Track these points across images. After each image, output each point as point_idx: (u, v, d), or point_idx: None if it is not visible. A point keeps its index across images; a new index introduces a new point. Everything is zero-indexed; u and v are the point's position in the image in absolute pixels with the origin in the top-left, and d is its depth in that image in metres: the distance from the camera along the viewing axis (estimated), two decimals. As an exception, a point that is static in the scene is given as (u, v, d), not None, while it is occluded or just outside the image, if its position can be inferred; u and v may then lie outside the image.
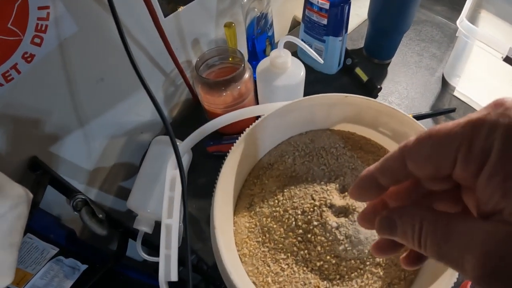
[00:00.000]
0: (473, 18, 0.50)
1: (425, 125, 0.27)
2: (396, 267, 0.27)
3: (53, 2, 0.31)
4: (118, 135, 0.47)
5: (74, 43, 0.34)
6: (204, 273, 0.55)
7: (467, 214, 0.14)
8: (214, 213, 0.25)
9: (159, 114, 0.28)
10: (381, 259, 0.27)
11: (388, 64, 0.55)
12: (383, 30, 0.51)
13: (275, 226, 0.28)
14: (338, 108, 0.32)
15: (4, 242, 0.28)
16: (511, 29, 0.47)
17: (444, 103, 0.50)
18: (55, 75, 0.35)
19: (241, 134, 0.29)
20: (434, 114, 0.49)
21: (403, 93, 0.52)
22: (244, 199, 0.31)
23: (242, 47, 0.50)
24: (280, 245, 0.27)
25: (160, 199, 0.27)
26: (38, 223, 0.39)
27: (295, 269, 0.27)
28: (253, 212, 0.30)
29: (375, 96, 0.51)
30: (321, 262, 0.26)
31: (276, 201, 0.29)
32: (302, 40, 0.52)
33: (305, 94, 0.34)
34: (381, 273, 0.27)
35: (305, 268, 0.27)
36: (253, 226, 0.29)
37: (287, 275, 0.27)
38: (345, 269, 0.26)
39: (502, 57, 0.41)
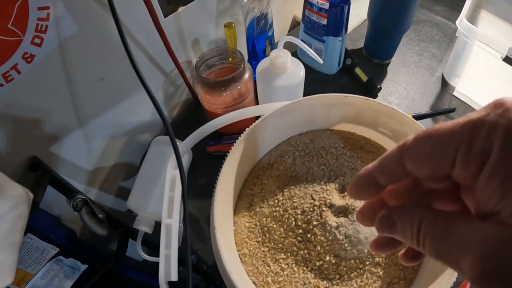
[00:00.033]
0: (473, 18, 0.50)
1: (425, 125, 0.27)
2: (396, 266, 0.27)
3: (53, 2, 0.31)
4: (118, 135, 0.47)
5: (74, 43, 0.34)
6: (204, 273, 0.55)
7: (466, 214, 0.14)
8: (214, 213, 0.25)
9: (159, 114, 0.28)
10: (380, 259, 0.27)
11: (388, 64, 0.55)
12: (383, 30, 0.51)
13: (275, 226, 0.28)
14: (338, 108, 0.32)
15: (4, 242, 0.28)
16: (511, 29, 0.47)
17: (443, 103, 0.51)
18: (55, 75, 0.35)
19: (241, 134, 0.29)
20: (434, 114, 0.49)
21: (403, 93, 0.52)
22: (244, 199, 0.31)
23: (242, 47, 0.50)
24: (280, 245, 0.28)
25: (160, 199, 0.27)
26: (38, 223, 0.39)
27: (295, 269, 0.27)
28: (253, 212, 0.30)
29: (375, 96, 0.51)
30: (321, 262, 0.26)
31: (276, 201, 0.29)
32: (302, 40, 0.52)
33: (305, 94, 0.34)
34: (381, 273, 0.27)
35: (304, 268, 0.27)
36: (253, 226, 0.29)
37: (287, 275, 0.27)
38: (344, 268, 0.26)
39: (501, 57, 0.41)
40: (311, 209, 0.27)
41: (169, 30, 0.41)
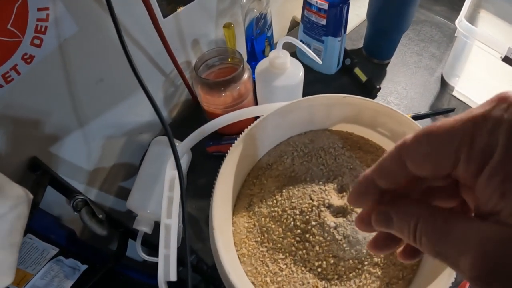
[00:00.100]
0: (472, 18, 0.50)
1: (424, 125, 0.27)
2: (395, 266, 0.27)
3: (52, 3, 0.31)
4: (118, 136, 0.47)
5: (74, 44, 0.35)
6: (204, 273, 0.55)
7: (465, 211, 0.14)
8: (212, 214, 0.25)
9: (157, 114, 0.28)
10: (379, 259, 0.27)
11: (387, 64, 0.55)
12: (382, 30, 0.51)
13: (273, 226, 0.28)
14: (337, 109, 0.32)
15: (4, 242, 0.29)
16: (511, 28, 0.47)
17: (443, 103, 0.51)
18: (55, 76, 0.35)
19: (240, 135, 0.29)
20: (433, 114, 0.49)
21: (402, 93, 0.52)
22: (243, 199, 0.31)
23: (242, 47, 0.50)
24: (279, 245, 0.28)
25: (160, 200, 0.27)
26: (38, 224, 0.39)
27: (294, 269, 0.27)
28: (252, 212, 0.30)
29: (374, 96, 0.51)
30: (319, 262, 0.26)
31: (275, 201, 0.29)
32: (301, 40, 0.52)
33: (305, 95, 0.34)
34: (379, 273, 0.27)
35: (303, 268, 0.27)
36: (251, 226, 0.29)
37: (286, 275, 0.27)
38: (343, 269, 0.26)
39: (501, 57, 0.41)
40: (310, 209, 0.27)
41: (168, 30, 0.41)
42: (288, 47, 0.38)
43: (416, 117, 0.48)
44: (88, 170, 0.45)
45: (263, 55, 0.50)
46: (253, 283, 0.27)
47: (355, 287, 0.26)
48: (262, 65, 0.40)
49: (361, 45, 0.57)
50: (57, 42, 0.33)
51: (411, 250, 0.16)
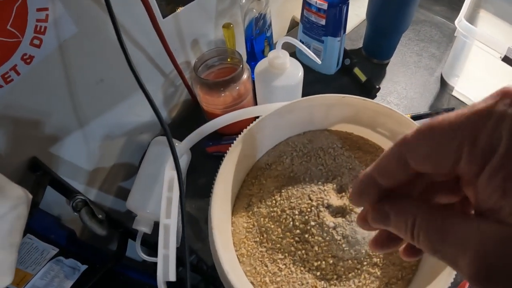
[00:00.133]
0: (472, 18, 0.50)
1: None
2: (394, 266, 0.27)
3: (52, 3, 0.31)
4: (118, 136, 0.47)
5: (74, 44, 0.35)
6: (204, 273, 0.55)
7: (465, 209, 0.14)
8: (211, 214, 0.25)
9: (156, 114, 0.28)
10: (378, 259, 0.27)
11: (387, 64, 0.55)
12: (382, 30, 0.51)
13: (272, 226, 0.28)
14: (336, 109, 0.32)
15: (4, 242, 0.29)
16: (510, 28, 0.47)
17: (443, 103, 0.51)
18: (55, 76, 0.36)
19: (239, 135, 0.29)
20: (433, 114, 0.49)
21: (402, 93, 0.52)
22: (243, 199, 0.31)
23: (241, 47, 0.50)
24: (278, 245, 0.28)
25: (159, 200, 0.28)
26: (38, 224, 0.39)
27: (293, 269, 0.27)
28: (251, 212, 0.30)
29: (374, 96, 0.51)
30: (319, 262, 0.26)
31: (274, 201, 0.29)
32: (300, 40, 0.52)
33: (304, 95, 0.34)
34: (379, 273, 0.27)
35: (302, 268, 0.27)
36: (251, 226, 0.29)
37: (285, 275, 0.27)
38: (342, 269, 0.26)
39: (500, 57, 0.41)
40: (309, 209, 0.27)
41: (168, 30, 0.41)
42: (288, 47, 0.38)
43: (416, 117, 0.48)
44: (88, 170, 0.46)
45: (263, 55, 0.50)
46: (252, 283, 0.27)
47: (354, 287, 0.26)
48: (261, 65, 0.40)
49: (360, 45, 0.57)
50: (56, 42, 0.33)
51: (413, 247, 0.15)
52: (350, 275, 0.27)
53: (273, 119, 0.30)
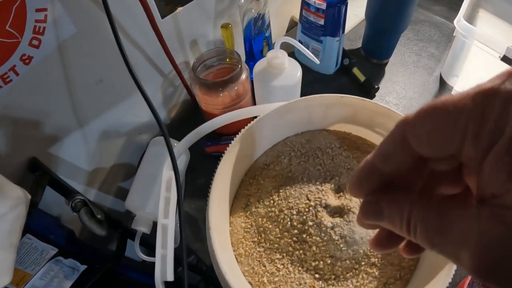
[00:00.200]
0: (471, 18, 0.50)
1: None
2: (392, 266, 0.27)
3: (51, 4, 0.31)
4: (117, 136, 0.47)
5: (73, 44, 0.35)
6: (203, 274, 0.55)
7: (465, 199, 0.13)
8: (209, 214, 0.25)
9: (153, 114, 0.29)
10: (376, 259, 0.27)
11: (386, 64, 0.55)
12: (381, 30, 0.51)
13: (270, 226, 0.28)
14: (335, 109, 0.32)
15: (4, 242, 0.29)
16: (510, 28, 0.47)
17: (442, 102, 0.50)
18: (54, 77, 0.36)
19: (237, 135, 0.29)
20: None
21: (401, 93, 0.52)
22: (241, 199, 0.31)
23: (240, 47, 0.51)
24: (276, 245, 0.28)
25: (158, 200, 0.28)
26: (38, 224, 0.39)
27: (291, 269, 0.27)
28: (249, 212, 0.30)
29: (373, 96, 0.51)
30: (316, 262, 0.26)
31: (272, 201, 0.29)
32: (299, 40, 0.52)
33: (303, 94, 0.34)
34: (377, 273, 0.27)
35: (300, 268, 0.27)
36: (249, 226, 0.29)
37: (283, 275, 0.27)
38: (340, 269, 0.26)
39: (499, 57, 0.41)
40: (307, 209, 0.27)
41: (167, 31, 0.41)
42: (287, 47, 0.39)
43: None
44: (88, 170, 0.46)
45: (262, 55, 0.50)
46: (250, 283, 0.27)
47: (352, 287, 0.26)
48: (260, 65, 0.40)
49: (359, 45, 0.57)
50: (55, 43, 0.33)
51: (414, 244, 0.14)
52: (348, 275, 0.27)
53: (271, 119, 0.30)
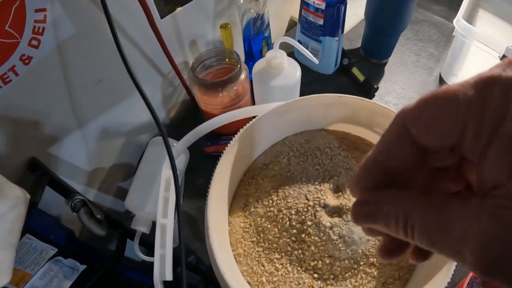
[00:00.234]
0: (470, 17, 0.50)
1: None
2: (391, 266, 0.27)
3: (50, 4, 0.31)
4: (117, 136, 0.47)
5: (72, 45, 0.35)
6: (203, 274, 0.55)
7: (463, 199, 0.13)
8: (208, 214, 0.25)
9: (151, 113, 0.29)
10: (375, 259, 0.27)
11: (386, 63, 0.55)
12: (380, 30, 0.51)
13: (269, 226, 0.28)
14: (334, 109, 0.32)
15: (4, 242, 0.29)
16: (509, 27, 0.47)
17: (441, 102, 0.50)
18: (53, 77, 0.36)
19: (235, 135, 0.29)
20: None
21: (400, 93, 0.52)
22: (239, 199, 0.31)
23: (239, 47, 0.51)
24: (275, 245, 0.28)
25: (158, 200, 0.28)
26: (37, 224, 0.39)
27: (289, 268, 0.27)
28: (247, 212, 0.30)
29: (372, 96, 0.51)
30: (315, 262, 0.26)
31: (271, 201, 0.29)
32: (298, 40, 0.52)
33: (302, 94, 0.34)
34: (375, 273, 0.27)
35: (299, 268, 0.27)
36: (247, 226, 0.29)
37: (281, 274, 0.27)
38: (339, 269, 0.26)
39: (499, 56, 0.41)
40: (305, 209, 0.27)
41: (166, 31, 0.41)
42: (286, 47, 0.39)
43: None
44: (87, 170, 0.46)
45: (261, 55, 0.50)
46: (249, 282, 0.27)
47: (351, 287, 0.26)
48: (259, 65, 0.40)
49: (359, 45, 0.57)
50: (55, 43, 0.33)
51: (423, 249, 0.14)
52: (347, 275, 0.27)
53: (270, 119, 0.30)
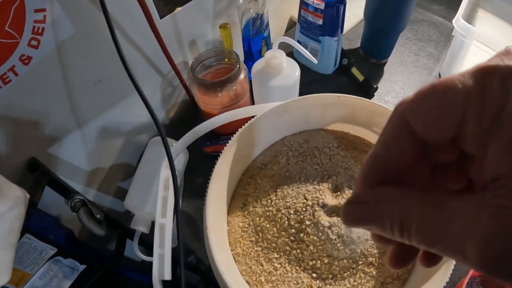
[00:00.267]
0: (470, 17, 0.50)
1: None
2: (389, 266, 0.27)
3: (50, 4, 0.31)
4: (117, 136, 0.47)
5: (72, 45, 0.35)
6: (203, 274, 0.55)
7: (463, 196, 0.12)
8: (206, 213, 0.25)
9: (149, 112, 0.29)
10: (373, 259, 0.27)
11: (385, 63, 0.55)
12: (379, 30, 0.51)
13: (268, 225, 0.28)
14: (332, 108, 0.32)
15: (4, 241, 0.29)
16: (508, 27, 0.47)
17: (441, 102, 0.50)
18: (53, 77, 0.36)
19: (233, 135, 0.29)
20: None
21: (400, 93, 0.52)
22: (238, 199, 0.31)
23: (238, 47, 0.51)
24: (273, 245, 0.28)
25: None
26: (37, 224, 0.39)
27: (288, 268, 0.27)
28: (246, 211, 0.30)
29: (372, 96, 0.51)
30: (314, 262, 0.26)
31: (269, 200, 0.29)
32: (298, 40, 0.52)
33: (302, 94, 0.34)
34: (374, 273, 0.27)
35: (297, 268, 0.27)
36: (246, 225, 0.29)
37: (280, 274, 0.27)
38: (337, 268, 0.26)
39: (498, 56, 0.41)
40: (304, 208, 0.27)
41: (165, 31, 0.41)
42: (285, 47, 0.39)
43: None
44: (87, 170, 0.46)
45: (260, 55, 0.50)
46: (247, 282, 0.27)
47: (350, 287, 0.26)
48: (258, 65, 0.40)
49: (358, 44, 0.57)
50: (54, 43, 0.34)
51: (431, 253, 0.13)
52: (346, 274, 0.27)
53: (268, 118, 0.30)
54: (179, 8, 0.42)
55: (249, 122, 0.29)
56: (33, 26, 0.31)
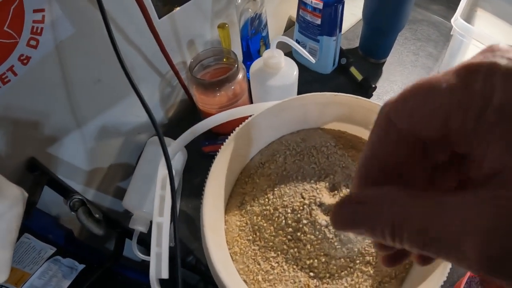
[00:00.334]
0: (469, 17, 0.50)
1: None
2: (387, 265, 0.27)
3: (48, 4, 0.31)
4: (116, 136, 0.48)
5: (70, 45, 0.35)
6: (202, 273, 0.55)
7: (457, 191, 0.12)
8: (203, 212, 0.25)
9: (146, 112, 0.29)
10: (371, 258, 0.27)
11: (384, 63, 0.55)
12: (378, 30, 0.51)
13: (265, 224, 0.28)
14: (330, 107, 0.32)
15: (3, 241, 0.29)
16: (508, 27, 0.47)
17: (440, 101, 0.50)
18: (52, 77, 0.36)
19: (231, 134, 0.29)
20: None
21: (398, 92, 0.52)
22: (236, 198, 0.31)
23: (237, 47, 0.51)
24: (270, 244, 0.28)
25: (155, 199, 0.28)
26: (36, 223, 0.40)
27: (285, 267, 0.27)
28: (244, 210, 0.30)
29: (370, 95, 0.51)
30: (311, 261, 0.26)
31: (267, 199, 0.29)
32: (296, 40, 0.52)
33: (300, 94, 0.34)
34: (371, 272, 0.27)
35: (295, 266, 0.27)
36: (244, 224, 0.29)
37: (277, 273, 0.27)
38: (335, 267, 0.26)
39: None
40: (301, 207, 0.27)
41: (164, 31, 0.42)
42: (284, 46, 0.39)
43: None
44: (86, 170, 0.46)
45: (259, 55, 0.50)
46: (245, 281, 0.27)
47: (347, 286, 0.26)
48: (256, 64, 0.41)
49: (357, 44, 0.57)
50: (53, 43, 0.34)
51: None
52: (343, 273, 0.27)
53: (265, 117, 0.30)
54: (178, 8, 0.42)
55: (246, 121, 0.30)
56: (32, 26, 0.31)
